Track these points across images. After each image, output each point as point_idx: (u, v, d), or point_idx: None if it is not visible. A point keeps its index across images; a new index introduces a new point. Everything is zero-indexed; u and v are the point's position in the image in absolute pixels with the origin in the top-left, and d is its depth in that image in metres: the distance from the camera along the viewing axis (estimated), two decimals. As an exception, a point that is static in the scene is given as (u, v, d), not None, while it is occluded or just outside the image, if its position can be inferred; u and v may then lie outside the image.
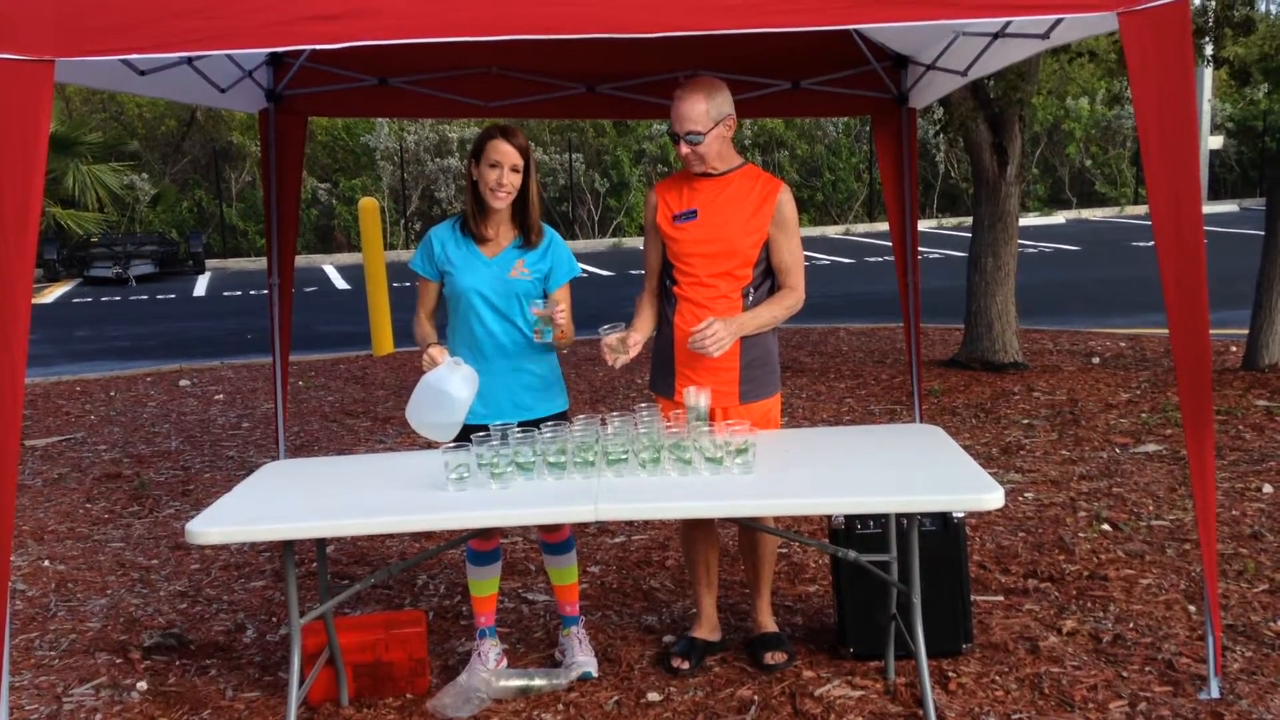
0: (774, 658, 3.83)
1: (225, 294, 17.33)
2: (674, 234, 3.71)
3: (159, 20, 2.90)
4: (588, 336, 4.46)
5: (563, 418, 3.80)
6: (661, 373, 3.84)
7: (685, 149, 3.61)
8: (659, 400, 3.80)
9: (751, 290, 3.72)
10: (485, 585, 3.92)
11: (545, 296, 3.73)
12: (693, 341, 3.51)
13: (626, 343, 3.59)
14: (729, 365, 3.71)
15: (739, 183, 3.70)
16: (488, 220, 3.72)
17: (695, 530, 3.95)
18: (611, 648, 4.07)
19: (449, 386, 3.47)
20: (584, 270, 17.95)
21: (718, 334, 3.49)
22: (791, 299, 3.74)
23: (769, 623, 4.00)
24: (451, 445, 3.30)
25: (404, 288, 14.99)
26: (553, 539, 3.92)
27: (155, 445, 7.45)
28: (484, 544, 3.88)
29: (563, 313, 3.60)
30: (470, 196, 3.73)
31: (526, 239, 3.73)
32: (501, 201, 3.65)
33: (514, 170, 3.62)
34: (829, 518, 4.01)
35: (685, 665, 3.83)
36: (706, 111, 3.57)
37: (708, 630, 3.98)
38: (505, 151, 3.60)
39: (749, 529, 3.93)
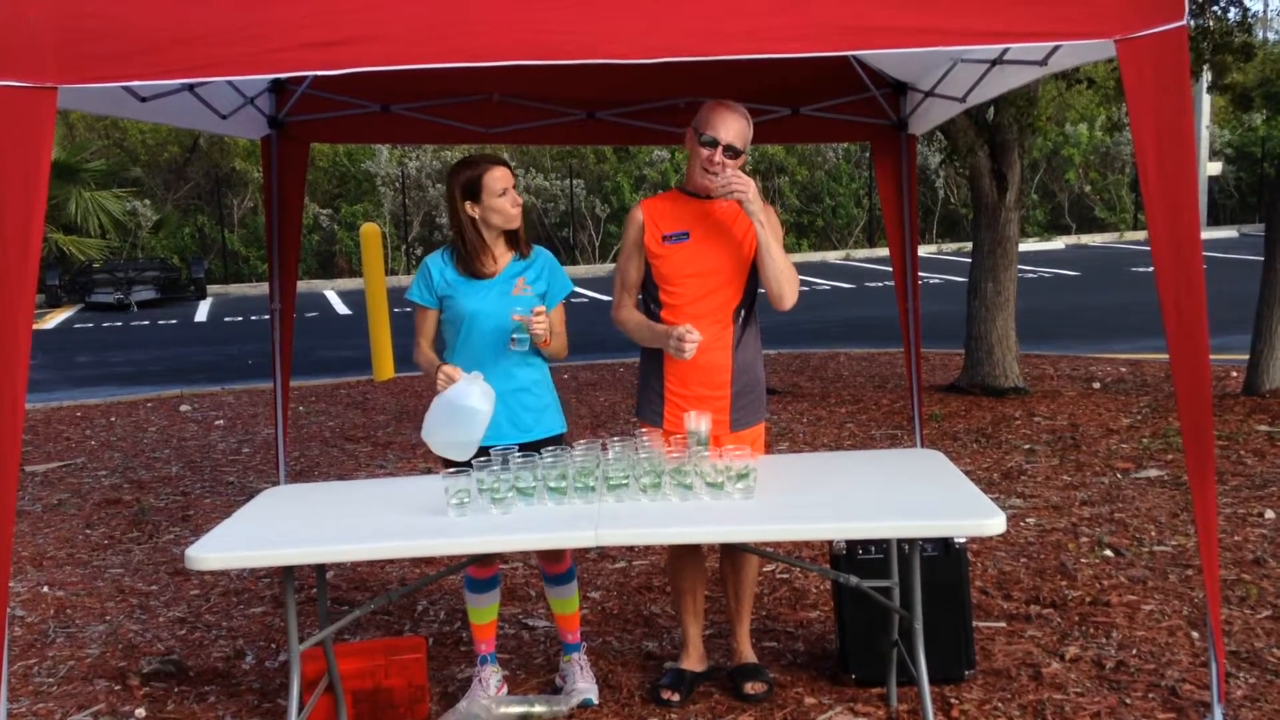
0: (754, 688, 3.81)
1: (226, 319, 17.35)
2: (662, 254, 3.68)
3: (161, 47, 2.92)
4: (588, 360, 4.45)
5: (560, 440, 3.79)
6: (649, 400, 3.80)
7: (719, 158, 3.57)
8: (647, 428, 3.76)
9: (742, 311, 3.72)
10: (484, 612, 3.90)
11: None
12: (721, 181, 3.47)
13: (691, 335, 3.55)
14: (720, 394, 3.70)
15: (728, 205, 3.69)
16: (486, 253, 3.73)
17: (684, 559, 3.92)
18: (612, 674, 4.05)
19: (471, 401, 3.45)
20: (585, 296, 17.98)
21: (749, 184, 3.47)
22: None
23: (749, 652, 3.98)
24: (452, 470, 3.30)
25: (405, 313, 14.97)
26: (554, 570, 3.90)
27: (155, 471, 7.45)
28: (482, 571, 3.86)
29: (540, 323, 3.60)
30: (470, 234, 3.70)
31: (519, 251, 3.77)
32: (518, 219, 3.71)
33: (514, 188, 3.69)
34: (830, 543, 4.01)
35: (675, 697, 3.80)
36: (747, 134, 3.61)
37: (695, 661, 3.96)
38: (505, 175, 3.66)
39: (731, 555, 3.92)
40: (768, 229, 3.59)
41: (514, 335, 3.63)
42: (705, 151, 3.59)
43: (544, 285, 3.77)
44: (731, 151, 3.57)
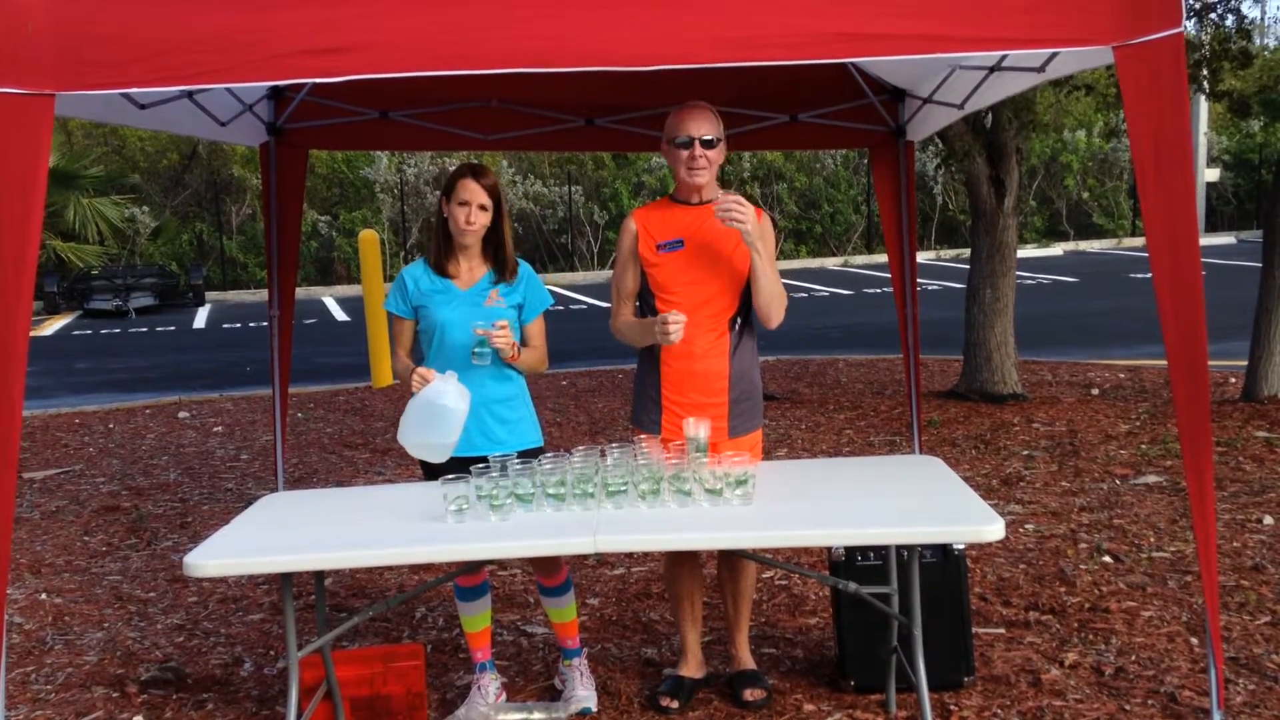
0: (754, 694, 3.81)
1: (225, 326, 17.35)
2: (658, 262, 3.69)
3: (159, 54, 2.92)
4: (588, 367, 4.45)
5: (536, 453, 3.78)
6: (646, 407, 3.79)
7: (699, 152, 3.58)
8: (643, 436, 3.75)
9: (739, 319, 3.72)
10: (477, 620, 3.90)
11: (520, 325, 3.75)
12: (722, 208, 3.46)
13: (678, 320, 3.53)
14: (718, 400, 3.70)
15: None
16: (455, 257, 3.75)
17: (681, 565, 3.92)
18: (611, 681, 4.05)
19: (446, 400, 3.46)
20: (583, 302, 17.98)
21: (745, 212, 3.47)
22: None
23: (748, 658, 3.97)
24: (451, 477, 3.30)
25: (403, 320, 15.01)
26: (550, 583, 3.89)
27: (154, 477, 7.44)
28: (471, 579, 3.85)
29: (501, 337, 3.59)
30: (438, 234, 3.77)
31: (500, 275, 3.76)
32: (470, 237, 3.70)
33: (481, 208, 3.67)
34: (829, 550, 4.00)
35: (674, 704, 3.80)
36: (716, 121, 3.62)
37: (694, 667, 3.95)
38: (473, 190, 3.64)
39: (729, 562, 3.91)
40: (763, 256, 3.60)
41: (475, 349, 3.63)
42: (684, 153, 3.61)
43: (520, 298, 3.78)
44: (707, 143, 3.59)
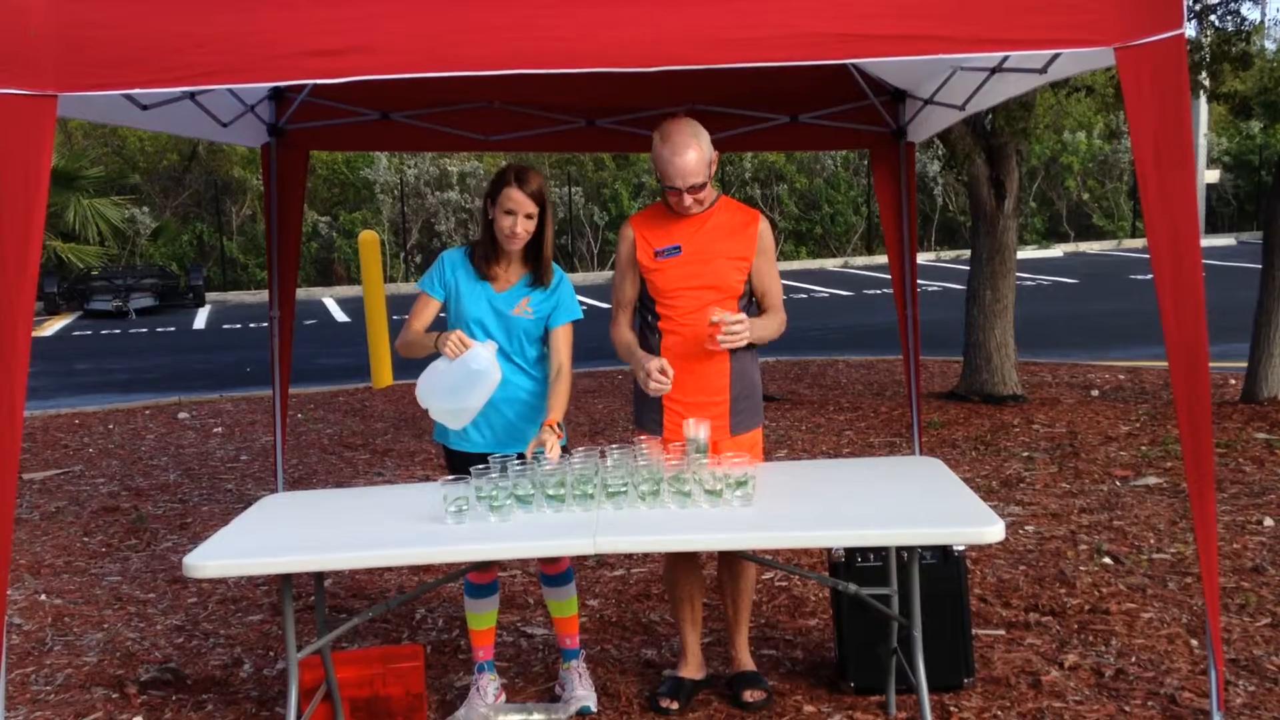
0: (753, 695, 3.81)
1: (225, 327, 17.35)
2: (656, 268, 3.69)
3: (160, 55, 2.92)
4: (586, 368, 4.45)
5: (561, 450, 3.79)
6: (647, 408, 3.80)
7: (688, 200, 3.58)
8: (645, 437, 3.76)
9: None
10: (483, 619, 3.91)
11: (545, 342, 3.75)
12: (723, 332, 3.50)
13: (665, 374, 3.57)
14: (719, 399, 3.70)
15: (718, 216, 3.70)
16: (499, 259, 3.74)
17: (681, 567, 3.92)
18: (610, 682, 4.05)
19: (483, 365, 3.48)
20: (583, 303, 17.98)
21: (744, 330, 3.51)
22: (781, 317, 3.76)
23: (748, 660, 3.98)
24: (450, 478, 3.30)
25: (403, 320, 15.03)
26: (551, 571, 3.92)
27: (153, 478, 7.44)
28: (482, 577, 3.87)
29: (553, 450, 3.53)
30: (484, 235, 3.74)
31: (537, 278, 3.75)
32: (516, 245, 3.68)
33: (528, 217, 3.64)
34: (829, 551, 4.00)
35: (674, 705, 3.80)
36: (703, 156, 3.55)
37: (694, 668, 3.95)
38: (519, 200, 3.61)
39: (729, 563, 3.92)
40: (760, 335, 3.65)
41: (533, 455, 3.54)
42: (673, 197, 3.61)
43: (549, 308, 3.77)
44: (695, 188, 3.57)
